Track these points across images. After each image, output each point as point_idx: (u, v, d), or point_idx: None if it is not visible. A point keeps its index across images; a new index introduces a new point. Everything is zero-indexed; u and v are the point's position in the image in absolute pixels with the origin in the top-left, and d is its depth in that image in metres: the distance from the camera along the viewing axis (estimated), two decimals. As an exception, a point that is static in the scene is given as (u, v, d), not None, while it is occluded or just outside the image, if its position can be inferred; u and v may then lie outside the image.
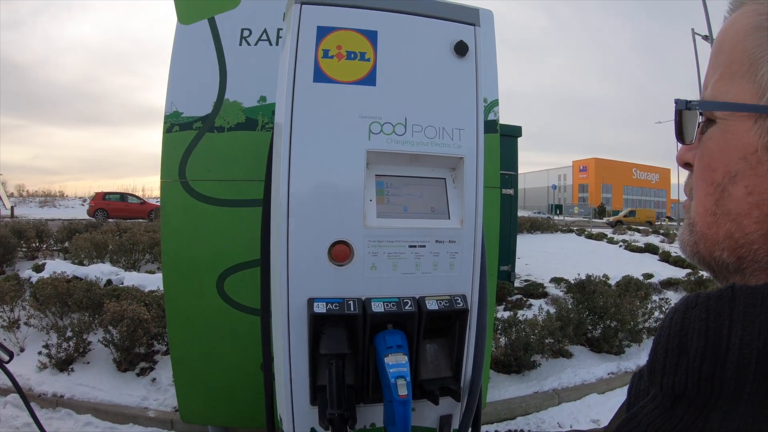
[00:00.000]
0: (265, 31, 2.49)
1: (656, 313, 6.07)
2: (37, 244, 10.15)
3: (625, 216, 43.11)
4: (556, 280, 8.09)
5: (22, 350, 4.81)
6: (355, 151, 1.45)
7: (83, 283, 5.48)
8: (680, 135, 0.60)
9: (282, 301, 1.42)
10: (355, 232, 1.44)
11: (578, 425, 4.17)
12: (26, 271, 6.64)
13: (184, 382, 2.65)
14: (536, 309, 6.03)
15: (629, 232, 20.84)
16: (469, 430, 1.66)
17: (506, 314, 5.55)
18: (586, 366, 5.12)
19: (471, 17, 1.59)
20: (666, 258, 12.27)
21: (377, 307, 1.42)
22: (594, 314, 5.65)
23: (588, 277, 7.04)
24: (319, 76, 1.44)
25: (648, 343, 5.73)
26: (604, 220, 42.24)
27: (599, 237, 17.16)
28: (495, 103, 2.67)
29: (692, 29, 22.81)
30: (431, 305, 1.47)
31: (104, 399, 4.08)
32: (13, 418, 3.73)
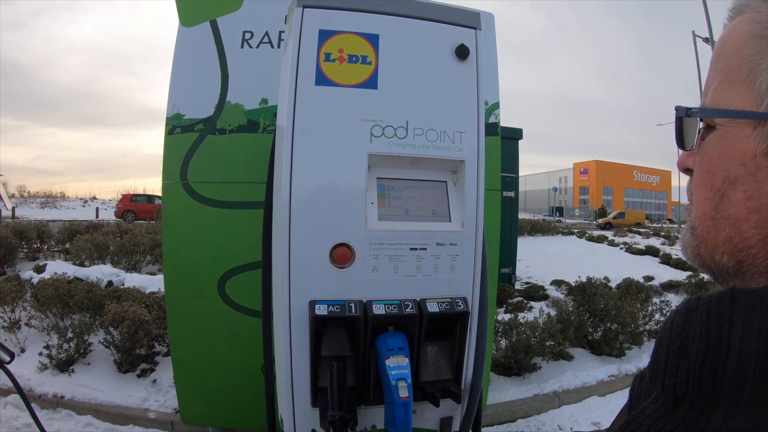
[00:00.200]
0: (266, 33, 2.50)
1: (657, 316, 6.07)
2: (38, 245, 10.17)
3: (614, 218, 43.18)
4: (557, 283, 8.09)
5: (22, 351, 4.82)
6: (356, 154, 1.45)
7: (84, 284, 5.49)
8: (681, 141, 0.61)
9: (283, 303, 1.43)
10: (357, 235, 1.45)
11: (578, 427, 4.17)
12: (27, 272, 6.65)
13: (184, 384, 2.65)
14: (537, 311, 6.03)
15: (630, 235, 20.82)
16: (470, 432, 1.66)
17: (507, 316, 5.55)
18: (586, 368, 5.12)
19: (472, 21, 1.59)
20: (667, 260, 12.26)
21: (378, 310, 1.43)
22: (595, 317, 5.65)
23: (589, 279, 7.05)
24: (321, 80, 1.45)
25: (649, 346, 5.73)
26: (594, 222, 42.14)
27: (600, 239, 17.15)
28: (496, 105, 2.68)
29: (693, 31, 22.86)
30: (432, 308, 1.48)
31: (105, 400, 4.09)
32: (14, 418, 3.73)
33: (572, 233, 19.57)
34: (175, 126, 2.50)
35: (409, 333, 1.46)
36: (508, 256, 7.67)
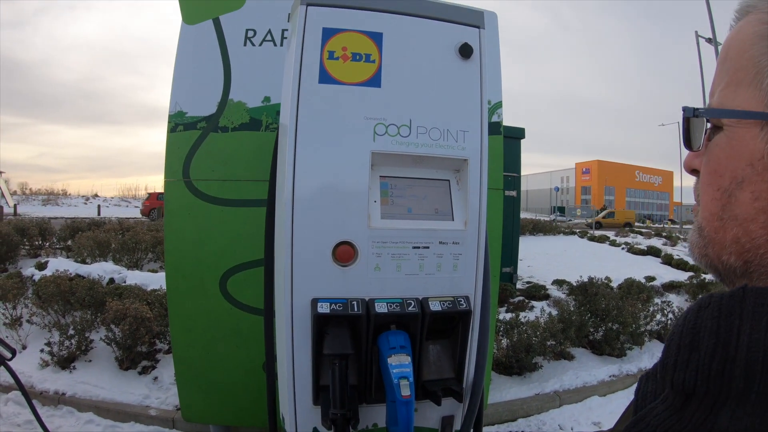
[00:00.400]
0: (269, 31, 2.50)
1: (658, 316, 6.07)
2: (40, 242, 10.18)
3: (603, 217, 43.18)
4: (558, 282, 8.08)
5: (24, 348, 4.83)
6: (359, 152, 1.45)
7: (86, 282, 5.49)
8: (687, 142, 0.61)
9: (286, 301, 1.43)
10: (360, 233, 1.45)
11: (579, 427, 4.17)
12: (29, 269, 6.65)
13: (185, 381, 2.66)
14: (538, 311, 6.03)
15: (632, 235, 20.80)
16: (471, 431, 1.66)
17: (508, 316, 5.55)
18: (587, 368, 5.12)
19: (475, 20, 1.59)
20: (668, 261, 12.25)
21: (381, 308, 1.43)
22: (596, 316, 5.64)
23: (590, 279, 7.04)
24: (325, 77, 1.45)
25: (650, 346, 5.73)
26: (583, 221, 42.05)
27: (601, 239, 17.14)
28: (498, 105, 2.68)
29: (696, 32, 22.82)
30: (434, 306, 1.48)
31: (106, 397, 4.09)
32: (15, 415, 3.74)
33: (574, 233, 19.56)
34: (178, 123, 2.50)
35: (411, 331, 1.46)
36: (509, 256, 7.67)
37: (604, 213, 46.44)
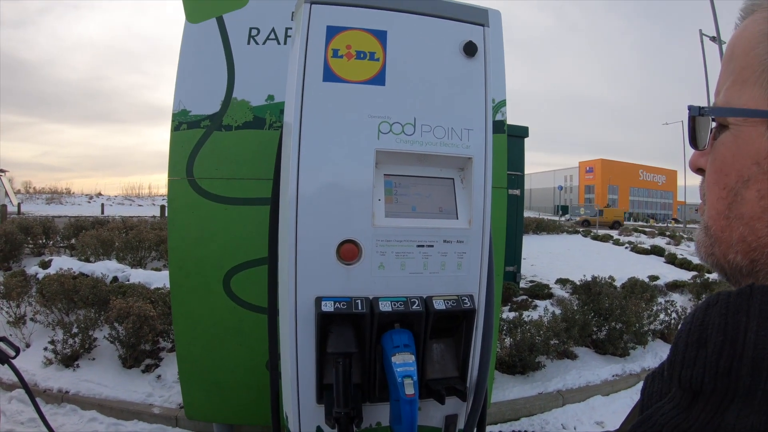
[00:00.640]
0: (273, 30, 2.50)
1: (661, 316, 6.05)
2: (44, 241, 10.20)
3: (591, 216, 43.29)
4: (562, 281, 8.06)
5: (27, 346, 4.84)
6: (364, 150, 1.45)
7: (89, 280, 5.51)
8: (693, 141, 0.61)
9: (290, 299, 1.43)
10: (364, 232, 1.45)
11: (582, 427, 4.16)
12: (33, 268, 6.67)
13: (189, 379, 2.66)
14: (541, 310, 6.01)
15: (635, 234, 20.77)
16: (474, 430, 1.66)
17: (511, 315, 5.54)
18: (590, 368, 5.11)
19: (480, 18, 1.59)
20: (672, 260, 12.22)
21: (385, 307, 1.43)
22: (599, 316, 5.63)
23: (594, 278, 7.03)
24: (329, 76, 1.45)
25: (653, 346, 5.72)
26: (572, 219, 41.96)
27: (605, 238, 17.11)
28: (502, 103, 2.67)
29: (700, 30, 22.76)
30: (439, 305, 1.47)
31: (109, 395, 4.10)
32: (19, 413, 3.75)
33: (577, 232, 19.54)
34: (181, 122, 2.50)
35: (415, 330, 1.46)
36: (513, 255, 7.67)
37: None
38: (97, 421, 3.85)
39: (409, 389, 1.33)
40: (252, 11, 2.52)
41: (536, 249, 12.96)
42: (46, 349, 4.48)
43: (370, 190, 1.45)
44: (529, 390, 4.59)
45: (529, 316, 5.49)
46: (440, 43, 1.54)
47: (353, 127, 1.45)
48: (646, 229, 24.88)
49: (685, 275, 9.51)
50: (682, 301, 7.42)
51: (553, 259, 11.67)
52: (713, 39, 20.73)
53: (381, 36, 1.49)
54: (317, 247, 1.43)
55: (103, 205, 37.11)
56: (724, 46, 0.65)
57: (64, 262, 6.58)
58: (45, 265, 6.72)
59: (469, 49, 1.54)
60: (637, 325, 5.58)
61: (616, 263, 11.25)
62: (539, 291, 7.44)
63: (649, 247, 14.22)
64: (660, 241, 17.48)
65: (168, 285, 3.64)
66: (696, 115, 0.60)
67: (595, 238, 17.44)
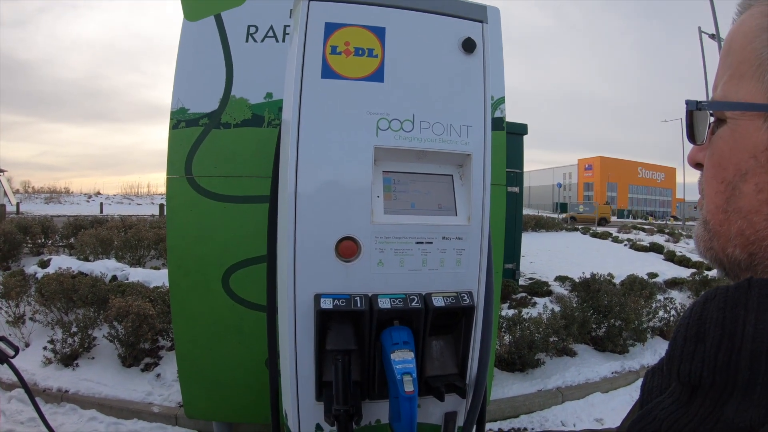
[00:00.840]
0: (271, 27, 2.49)
1: (661, 313, 6.05)
2: (43, 240, 10.19)
3: (578, 212, 43.45)
4: (561, 279, 8.07)
5: (27, 345, 4.84)
6: (362, 147, 1.45)
7: (88, 279, 5.50)
8: (691, 135, 0.62)
9: (289, 296, 1.43)
10: (363, 229, 1.44)
11: (582, 424, 4.17)
12: (31, 267, 6.66)
13: (188, 378, 2.66)
14: (541, 307, 6.00)
15: (634, 231, 20.78)
16: (474, 427, 1.66)
17: (511, 312, 5.54)
18: (590, 365, 5.11)
19: (479, 14, 1.59)
20: (671, 257, 12.23)
21: (384, 304, 1.42)
22: (598, 313, 5.64)
23: (593, 275, 7.03)
24: (327, 72, 1.44)
25: (652, 343, 5.72)
26: (560, 216, 42.02)
27: (604, 236, 17.12)
28: (501, 100, 2.67)
29: (699, 27, 22.75)
30: (438, 302, 1.47)
31: (109, 394, 4.10)
32: (18, 412, 3.75)
33: (576, 229, 19.54)
34: (180, 120, 2.50)
35: (414, 327, 1.46)
36: (512, 252, 7.67)
37: (579, 208, 46.51)
38: (96, 420, 3.85)
39: (409, 386, 1.33)
40: (250, 9, 2.52)
41: (535, 246, 12.96)
42: (45, 348, 4.48)
43: (369, 187, 1.45)
44: (528, 387, 4.59)
45: (528, 313, 5.49)
46: (439, 40, 1.53)
47: (352, 124, 1.45)
48: (645, 227, 24.89)
49: (684, 272, 9.51)
50: (681, 298, 7.43)
51: (552, 257, 11.67)
52: (712, 36, 20.73)
53: (379, 32, 1.49)
54: (316, 244, 1.42)
55: (102, 204, 37.09)
56: (723, 42, 0.65)
57: (63, 262, 6.58)
58: (44, 264, 6.72)
59: (468, 46, 1.54)
60: (636, 322, 5.58)
61: (615, 260, 11.24)
62: (538, 288, 7.44)
63: (648, 245, 14.22)
64: (659, 239, 17.48)
65: (167, 283, 3.63)
66: (694, 109, 0.60)
67: (594, 235, 17.44)
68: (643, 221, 45.45)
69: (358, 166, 1.44)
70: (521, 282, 7.99)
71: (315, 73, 1.43)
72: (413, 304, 1.45)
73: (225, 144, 2.48)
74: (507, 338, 4.92)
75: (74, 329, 4.56)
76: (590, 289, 6.27)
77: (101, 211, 28.72)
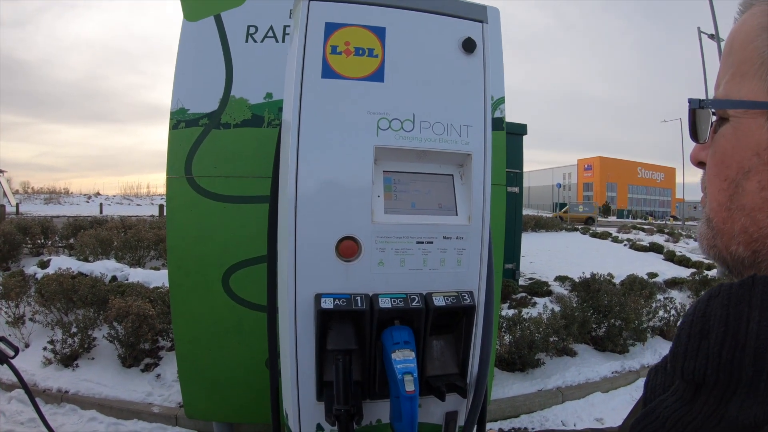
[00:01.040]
0: (271, 27, 2.49)
1: (660, 313, 6.06)
2: (42, 241, 10.20)
3: (565, 212, 43.71)
4: (561, 279, 8.07)
5: (27, 346, 4.84)
6: (363, 147, 1.44)
7: (88, 280, 5.50)
8: (694, 134, 0.62)
9: (289, 296, 1.42)
10: (363, 228, 1.44)
11: (582, 424, 4.17)
12: (31, 268, 6.66)
13: (188, 378, 2.66)
14: (541, 307, 6.01)
15: (634, 231, 20.79)
16: (475, 427, 1.66)
17: (511, 312, 5.54)
18: (590, 365, 5.11)
19: (479, 14, 1.58)
20: (671, 257, 12.25)
21: (384, 303, 1.42)
22: (598, 313, 5.64)
23: (593, 275, 7.04)
24: (328, 72, 1.44)
25: (652, 343, 5.73)
26: (551, 215, 42.16)
27: (604, 236, 17.13)
28: (501, 100, 2.67)
29: (698, 28, 22.72)
30: (438, 301, 1.47)
31: (109, 394, 4.10)
32: (18, 413, 3.75)
33: (576, 229, 19.55)
34: (180, 120, 2.50)
35: (415, 327, 1.46)
36: (512, 252, 7.68)
37: (565, 208, 46.57)
38: (96, 421, 3.85)
39: (410, 386, 1.33)
40: (250, 9, 2.51)
41: (535, 246, 12.97)
42: (45, 348, 4.48)
43: (370, 187, 1.45)
44: (528, 387, 4.59)
45: (528, 313, 5.49)
46: (439, 40, 1.53)
47: (352, 124, 1.44)
48: (645, 227, 24.89)
49: (684, 272, 9.52)
50: (681, 298, 7.43)
51: (551, 257, 11.68)
52: (711, 36, 20.71)
53: (380, 32, 1.48)
54: (316, 244, 1.42)
55: (101, 204, 37.10)
56: (723, 44, 0.65)
57: (62, 262, 6.58)
58: (44, 264, 6.72)
59: (468, 46, 1.53)
60: (636, 322, 5.59)
61: (614, 260, 11.26)
62: (538, 288, 7.45)
63: (648, 245, 14.25)
64: (659, 239, 17.52)
65: (167, 284, 3.64)
66: (696, 108, 0.60)
67: (594, 235, 17.46)
68: (643, 221, 45.48)
69: (358, 166, 1.44)
70: (521, 282, 7.99)
71: (315, 73, 1.43)
72: (414, 303, 1.45)
73: (225, 144, 2.48)
74: (507, 338, 4.92)
75: (74, 330, 4.56)
76: (590, 289, 6.27)
77: (101, 212, 28.72)
